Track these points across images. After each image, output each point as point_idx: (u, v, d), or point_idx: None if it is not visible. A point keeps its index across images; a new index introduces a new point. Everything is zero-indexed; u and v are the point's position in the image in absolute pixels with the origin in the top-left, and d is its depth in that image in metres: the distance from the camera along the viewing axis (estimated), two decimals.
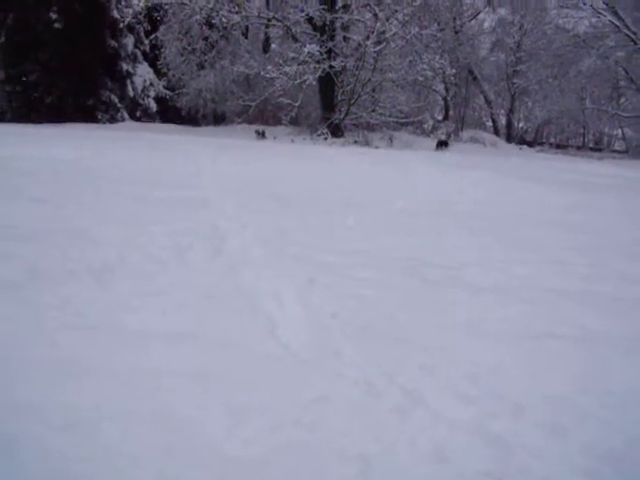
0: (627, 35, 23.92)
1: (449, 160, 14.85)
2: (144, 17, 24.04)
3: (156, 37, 23.68)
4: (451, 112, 31.72)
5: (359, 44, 20.22)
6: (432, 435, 2.36)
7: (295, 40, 21.48)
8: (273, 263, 4.51)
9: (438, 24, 23.87)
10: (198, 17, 20.19)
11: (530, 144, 31.20)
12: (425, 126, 26.85)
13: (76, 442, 2.14)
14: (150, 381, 2.59)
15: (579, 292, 4.29)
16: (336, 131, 21.05)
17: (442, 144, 21.72)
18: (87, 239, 4.74)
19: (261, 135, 20.50)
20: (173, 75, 23.97)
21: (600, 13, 24.29)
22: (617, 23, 23.87)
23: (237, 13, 20.03)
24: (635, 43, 23.77)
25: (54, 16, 21.24)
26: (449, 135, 26.32)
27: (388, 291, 4.03)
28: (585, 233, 6.61)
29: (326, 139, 20.42)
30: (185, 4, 19.92)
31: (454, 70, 23.06)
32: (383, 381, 2.74)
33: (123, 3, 21.03)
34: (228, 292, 3.80)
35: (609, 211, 8.47)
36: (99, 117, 22.68)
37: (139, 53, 25.74)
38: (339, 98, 21.33)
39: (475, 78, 30.95)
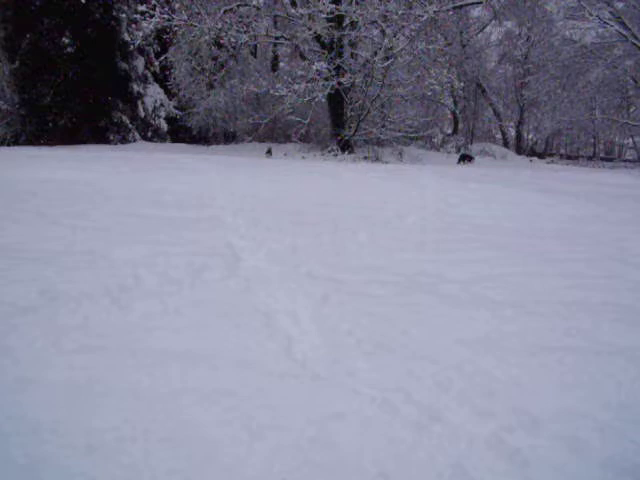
0: (634, 44, 23.89)
1: (461, 174, 14.85)
2: (154, 39, 24.43)
3: (166, 58, 24.02)
4: (460, 125, 31.81)
5: (367, 60, 20.36)
6: (450, 451, 2.37)
7: (303, 58, 21.70)
8: (287, 281, 4.54)
9: (445, 38, 24.04)
10: (207, 37, 20.44)
11: (540, 156, 31.17)
12: (435, 140, 26.95)
13: (99, 464, 2.17)
14: (169, 401, 2.62)
15: (596, 304, 4.27)
16: (346, 147, 21.16)
17: (465, 158, 21.65)
18: (102, 260, 4.80)
19: (268, 153, 20.98)
20: (183, 95, 24.28)
21: (607, 23, 24.30)
22: (624, 33, 23.86)
23: (245, 32, 20.28)
24: None
25: (67, 40, 21.66)
26: (459, 149, 26.36)
27: (402, 307, 4.04)
28: (600, 244, 6.59)
29: (336, 155, 20.53)
30: (194, 25, 20.19)
31: (462, 84, 23.15)
32: (400, 397, 2.75)
33: (133, 26, 21.36)
34: (244, 311, 3.83)
35: (624, 222, 8.43)
36: (111, 138, 22.98)
37: (149, 74, 26.11)
38: (348, 114, 21.47)
39: (483, 91, 31.05)
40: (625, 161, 32.14)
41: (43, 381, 2.75)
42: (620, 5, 24.44)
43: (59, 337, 3.25)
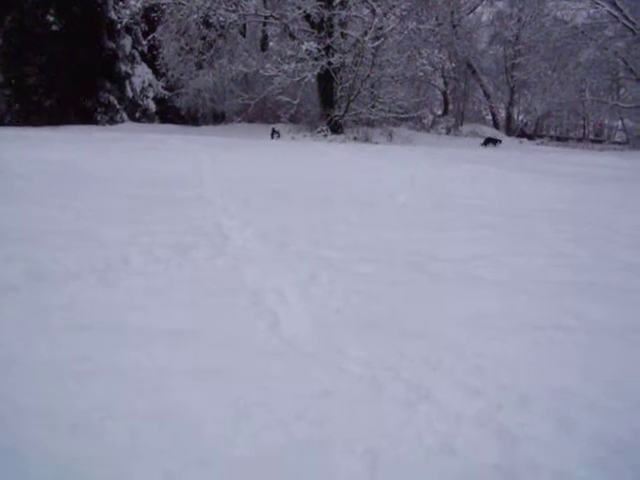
0: (625, 25, 23.82)
1: (447, 154, 14.83)
2: (141, 18, 24.00)
3: (154, 37, 23.67)
4: (450, 106, 31.71)
5: (357, 40, 20.19)
6: (439, 429, 2.35)
7: (293, 38, 21.46)
8: (276, 260, 4.50)
9: (436, 18, 23.82)
10: (195, 16, 20.16)
11: (530, 137, 31.15)
12: (425, 121, 26.88)
13: (82, 444, 2.13)
14: (155, 379, 2.59)
15: (584, 283, 4.27)
16: (336, 128, 21.04)
17: (490, 141, 21.53)
18: (89, 240, 4.73)
19: (277, 134, 20.43)
20: (172, 75, 23.97)
21: (598, 4, 24.19)
22: (615, 13, 23.77)
23: (234, 12, 20.01)
24: (634, 33, 23.68)
25: (51, 18, 21.25)
26: (449, 129, 26.29)
27: (392, 286, 4.02)
28: (588, 225, 6.60)
29: (326, 136, 20.43)
30: (182, 4, 19.89)
31: (453, 64, 23.06)
32: (388, 375, 2.73)
33: (120, 4, 21.00)
34: (231, 289, 3.79)
35: (612, 202, 8.45)
36: (98, 119, 22.70)
37: (137, 54, 25.74)
38: (338, 95, 21.32)
39: (474, 72, 30.90)
40: (614, 143, 32.19)
41: (27, 361, 2.71)
42: None
43: (43, 316, 3.19)
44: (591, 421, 2.42)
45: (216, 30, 22.09)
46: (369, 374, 2.74)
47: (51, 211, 5.78)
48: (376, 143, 19.94)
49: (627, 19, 23.53)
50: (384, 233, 5.61)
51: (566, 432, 2.35)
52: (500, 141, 21.80)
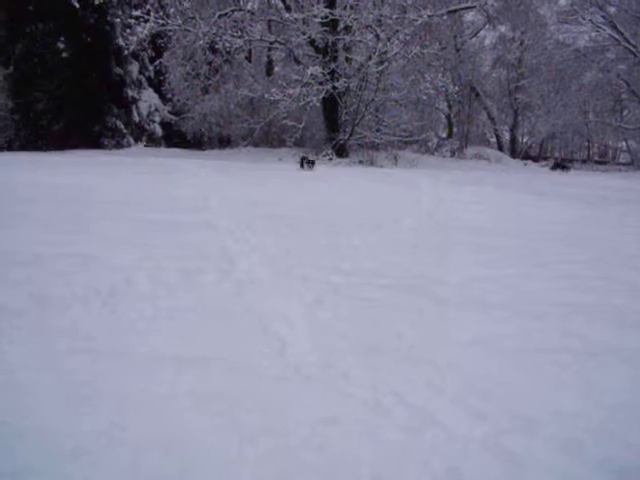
0: (627, 48, 24.03)
1: (452, 178, 14.88)
2: (148, 44, 24.36)
3: (160, 63, 23.99)
4: (455, 129, 31.88)
5: (361, 64, 20.38)
6: (445, 453, 2.34)
7: (298, 62, 21.72)
8: (281, 284, 4.51)
9: (439, 43, 24.08)
10: (201, 42, 20.44)
11: (535, 159, 31.25)
12: (429, 144, 26.97)
13: (84, 469, 2.13)
14: (161, 405, 2.59)
15: (589, 306, 4.26)
16: (341, 151, 21.16)
17: (559, 166, 21.52)
18: (94, 263, 4.76)
19: (310, 164, 16.50)
20: (178, 100, 24.25)
21: (599, 27, 24.46)
22: (616, 36, 24.00)
23: (240, 37, 20.28)
24: (635, 55, 23.88)
25: (61, 45, 21.61)
26: (453, 152, 26.40)
27: (396, 310, 4.02)
28: (592, 246, 6.59)
29: (331, 159, 20.53)
30: (188, 30, 20.17)
31: (456, 88, 23.19)
32: (393, 400, 2.73)
33: (128, 31, 21.33)
34: (237, 314, 3.79)
35: (616, 223, 8.44)
36: (105, 143, 22.91)
37: (144, 79, 26.07)
38: (343, 118, 21.48)
39: (478, 95, 31.13)
40: (619, 164, 32.24)
41: (30, 385, 2.71)
42: (612, 9, 24.59)
43: (48, 341, 3.21)
44: (596, 445, 2.41)
45: (222, 55, 22.39)
46: (374, 398, 2.74)
47: (57, 235, 5.82)
48: (381, 166, 20.03)
49: (628, 42, 23.74)
50: (389, 257, 5.61)
51: (571, 456, 2.33)
52: (569, 167, 21.81)
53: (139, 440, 2.31)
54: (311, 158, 16.99)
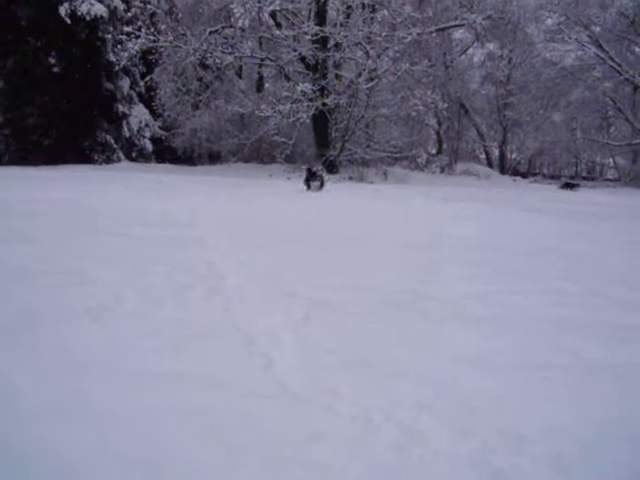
0: (612, 67, 24.42)
1: (443, 194, 14.96)
2: (139, 60, 24.49)
3: (151, 79, 24.07)
4: (444, 146, 32.11)
5: (351, 81, 20.55)
6: (432, 471, 2.32)
7: (288, 79, 21.87)
8: (269, 300, 4.49)
9: (429, 60, 24.33)
10: (192, 58, 20.56)
11: (524, 175, 31.55)
12: (419, 160, 27.11)
13: None
14: (147, 423, 2.55)
15: (578, 321, 4.27)
16: (331, 167, 21.24)
17: (568, 185, 21.78)
18: (82, 279, 4.73)
19: (319, 180, 13.79)
20: (168, 115, 24.32)
21: (585, 46, 24.86)
22: (602, 55, 24.40)
23: (230, 54, 20.41)
24: (620, 74, 24.26)
25: (52, 60, 21.63)
26: (443, 169, 26.56)
27: (385, 326, 4.01)
28: (582, 262, 6.63)
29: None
30: (179, 46, 20.29)
31: (446, 104, 23.40)
32: (381, 417, 2.71)
33: (119, 47, 21.41)
34: (224, 331, 3.77)
35: (604, 239, 8.51)
36: (95, 158, 22.88)
37: (135, 95, 26.13)
38: (333, 135, 21.60)
39: (467, 111, 31.43)
40: (606, 180, 32.58)
41: (14, 403, 2.67)
42: (597, 29, 25.00)
43: (35, 358, 3.16)
44: (586, 462, 2.40)
45: (212, 72, 22.52)
46: (362, 415, 2.72)
47: (46, 250, 5.78)
48: (371, 182, 20.12)
49: (613, 61, 24.13)
50: (379, 273, 5.61)
51: (560, 473, 2.32)
52: (578, 185, 22.14)
53: (124, 459, 2.27)
54: (318, 171, 13.79)
